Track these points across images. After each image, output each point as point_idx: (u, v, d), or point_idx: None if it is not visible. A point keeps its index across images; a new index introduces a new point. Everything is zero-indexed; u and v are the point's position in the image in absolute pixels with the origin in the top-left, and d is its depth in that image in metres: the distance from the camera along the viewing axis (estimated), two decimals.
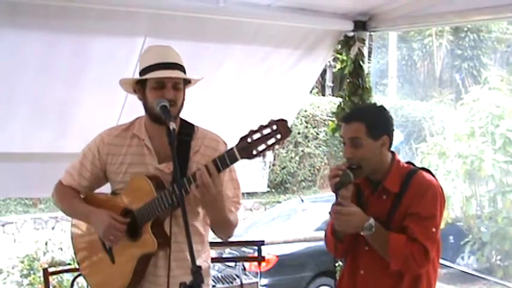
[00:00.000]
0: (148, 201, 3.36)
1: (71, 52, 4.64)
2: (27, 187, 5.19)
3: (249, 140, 3.07)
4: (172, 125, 3.14)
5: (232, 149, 3.13)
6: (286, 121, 3.05)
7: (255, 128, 3.07)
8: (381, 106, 3.64)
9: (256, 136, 3.06)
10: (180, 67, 3.43)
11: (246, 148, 3.08)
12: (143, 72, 3.41)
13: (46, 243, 11.88)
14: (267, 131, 3.05)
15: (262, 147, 3.06)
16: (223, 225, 3.50)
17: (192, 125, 3.54)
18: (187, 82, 3.48)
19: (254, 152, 3.07)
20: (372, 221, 3.36)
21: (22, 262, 11.32)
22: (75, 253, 3.80)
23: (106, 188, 3.70)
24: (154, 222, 3.38)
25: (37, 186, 5.08)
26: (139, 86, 3.45)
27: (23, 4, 4.23)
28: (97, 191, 3.71)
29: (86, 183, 3.63)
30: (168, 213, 3.33)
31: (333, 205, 3.41)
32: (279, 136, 3.04)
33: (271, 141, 3.05)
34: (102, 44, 4.67)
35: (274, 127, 3.04)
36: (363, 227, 3.36)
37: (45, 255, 11.80)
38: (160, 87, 3.36)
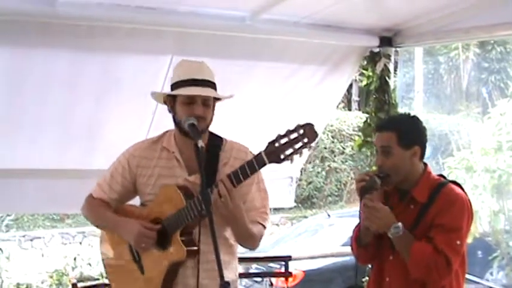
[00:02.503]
0: (178, 210, 3.40)
1: (99, 70, 4.72)
2: (56, 203, 5.25)
3: (276, 144, 3.12)
4: (200, 143, 3.20)
5: (260, 153, 3.17)
6: (312, 125, 3.10)
7: (282, 132, 3.12)
8: (414, 116, 3.69)
9: (283, 140, 3.11)
10: (211, 84, 3.46)
11: (274, 152, 3.13)
12: (174, 86, 3.46)
13: (75, 258, 11.96)
14: (294, 135, 3.10)
15: (289, 151, 3.11)
16: (246, 238, 3.52)
17: (220, 137, 3.58)
18: (217, 98, 3.52)
19: (282, 156, 3.12)
20: (400, 224, 3.39)
21: (51, 277, 11.42)
22: (104, 265, 3.83)
23: (135, 201, 3.73)
24: (184, 231, 3.41)
25: (66, 202, 5.14)
26: (170, 99, 3.50)
27: (53, 24, 4.30)
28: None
29: (116, 196, 3.66)
30: (197, 223, 3.36)
31: (365, 199, 3.45)
32: (306, 140, 3.09)
33: (299, 145, 3.10)
34: (130, 63, 4.72)
35: (301, 131, 3.09)
36: (391, 226, 3.39)
37: (74, 270, 11.87)
38: (190, 102, 3.40)
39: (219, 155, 3.51)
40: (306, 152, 3.16)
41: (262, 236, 3.58)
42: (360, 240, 3.61)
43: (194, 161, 3.42)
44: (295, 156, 3.13)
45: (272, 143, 3.14)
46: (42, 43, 4.41)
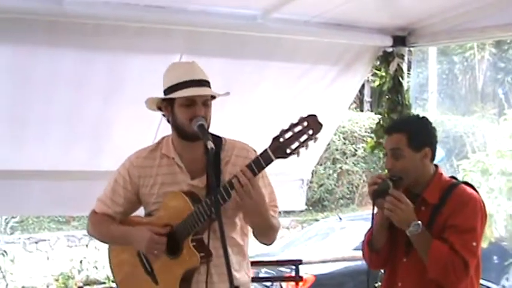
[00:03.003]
0: (186, 215, 3.40)
1: (106, 70, 4.73)
2: (62, 205, 5.26)
3: (281, 139, 3.14)
4: (211, 144, 3.22)
5: (265, 150, 3.18)
6: (316, 116, 3.12)
7: (286, 127, 3.13)
8: (424, 117, 3.70)
9: (288, 135, 3.13)
10: (207, 83, 3.48)
11: (279, 148, 3.14)
12: (170, 89, 3.44)
13: (81, 261, 11.97)
14: (298, 128, 3.12)
15: (295, 145, 3.12)
16: (267, 230, 3.51)
17: (219, 137, 3.57)
18: (213, 97, 3.52)
19: (288, 151, 3.13)
20: (420, 222, 3.40)
21: (57, 280, 11.44)
22: (115, 280, 3.82)
23: (139, 212, 3.74)
24: (194, 237, 3.42)
25: (72, 204, 5.16)
26: (165, 104, 3.49)
27: (59, 22, 4.31)
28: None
29: (120, 209, 3.65)
30: (207, 227, 3.37)
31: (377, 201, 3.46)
32: (310, 132, 3.10)
33: (304, 137, 3.11)
34: (138, 62, 4.73)
35: (305, 123, 3.11)
36: (411, 223, 3.39)
37: (80, 274, 11.89)
38: (190, 104, 3.40)
39: (220, 155, 3.51)
40: (312, 144, 3.16)
41: (280, 227, 3.59)
42: (372, 244, 3.61)
43: (195, 165, 3.48)
44: (302, 150, 3.14)
45: (276, 138, 3.15)
46: (48, 42, 4.42)
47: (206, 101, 3.44)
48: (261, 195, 3.31)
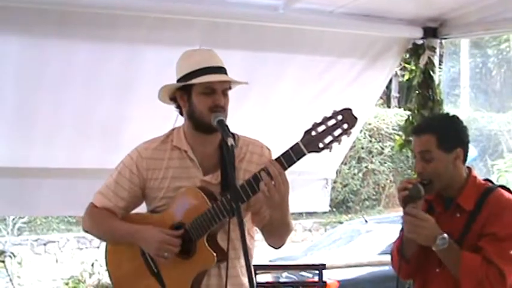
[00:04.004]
0: (201, 213, 3.38)
1: (121, 63, 4.76)
2: (72, 205, 5.23)
3: (313, 133, 3.15)
4: (231, 141, 3.21)
5: (297, 143, 3.18)
6: (351, 109, 3.14)
7: (319, 120, 3.15)
8: (454, 116, 3.66)
9: (321, 128, 3.14)
10: (225, 71, 3.48)
11: (312, 141, 3.15)
12: (188, 76, 3.42)
13: (92, 264, 12.02)
14: (331, 122, 3.14)
15: (328, 139, 3.14)
16: (283, 227, 3.48)
17: (231, 133, 3.51)
18: (229, 87, 3.52)
19: (321, 145, 3.15)
20: (445, 235, 3.35)
21: (67, 284, 11.51)
22: (113, 284, 3.73)
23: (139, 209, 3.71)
24: (209, 236, 3.40)
25: (83, 204, 5.12)
26: (181, 93, 3.48)
27: (72, 13, 4.34)
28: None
29: (124, 204, 3.59)
30: (222, 226, 3.37)
31: (408, 207, 3.42)
32: (345, 126, 3.12)
33: (338, 132, 3.13)
34: (154, 55, 4.75)
35: (339, 117, 3.13)
36: (436, 238, 3.35)
37: (91, 277, 11.95)
38: (210, 92, 3.40)
39: (234, 152, 3.42)
40: (345, 139, 3.17)
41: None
42: (403, 252, 3.58)
43: (208, 160, 3.48)
44: (334, 145, 3.15)
45: (308, 131, 3.16)
46: (59, 33, 4.45)
47: (225, 90, 3.45)
48: (288, 190, 3.28)
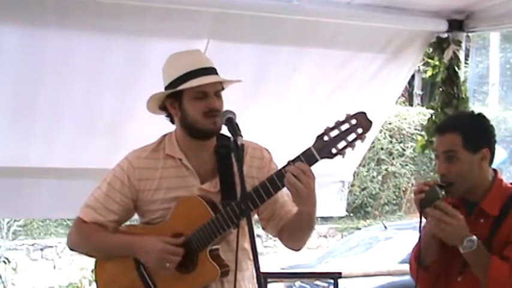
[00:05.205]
0: (203, 224, 3.39)
1: (125, 57, 4.78)
2: (71, 207, 5.12)
3: (325, 138, 3.19)
4: (241, 140, 3.21)
5: (309, 149, 3.21)
6: (365, 113, 3.16)
7: (332, 124, 3.18)
8: (480, 114, 3.64)
9: (334, 133, 3.18)
10: (216, 71, 3.49)
11: (325, 147, 3.18)
12: (177, 82, 3.43)
13: (92, 271, 12.05)
14: (345, 126, 3.17)
15: (342, 144, 3.17)
16: (310, 223, 3.46)
17: (228, 137, 3.49)
18: (222, 88, 3.53)
19: (334, 151, 3.18)
20: (474, 237, 3.33)
21: None
22: None
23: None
24: (211, 249, 3.42)
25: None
26: (171, 100, 3.49)
27: (72, 2, 4.37)
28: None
29: (115, 217, 3.58)
30: (224, 238, 3.40)
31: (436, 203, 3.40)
32: (360, 130, 3.16)
33: (352, 136, 3.17)
34: (159, 48, 4.73)
35: (353, 121, 3.16)
36: (463, 239, 3.33)
37: (91, 285, 11.97)
38: (202, 97, 3.41)
39: (231, 156, 3.43)
40: (359, 144, 3.20)
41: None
42: (421, 260, 3.57)
43: (204, 167, 3.50)
44: (348, 150, 3.18)
45: (321, 136, 3.20)
46: (59, 24, 4.46)
47: (218, 92, 3.46)
48: (314, 182, 3.27)
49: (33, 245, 15.67)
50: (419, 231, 3.53)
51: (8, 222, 14.65)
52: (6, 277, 12.44)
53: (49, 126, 4.90)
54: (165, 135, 3.64)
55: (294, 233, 3.53)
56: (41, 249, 15.74)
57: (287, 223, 3.51)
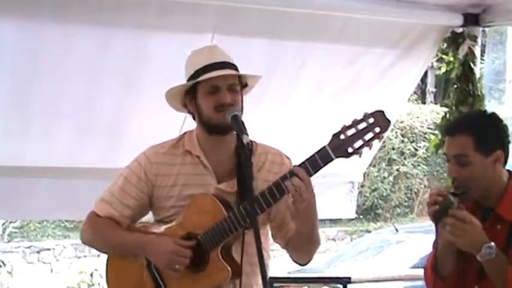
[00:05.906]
0: (216, 223, 3.41)
1: (126, 51, 4.79)
2: (70, 208, 5.23)
3: (342, 136, 3.20)
4: (247, 139, 3.25)
5: (324, 147, 3.23)
6: (383, 112, 3.18)
7: (348, 123, 3.19)
8: (492, 113, 3.61)
9: (350, 132, 3.19)
10: (233, 66, 3.51)
11: (341, 146, 3.20)
12: (192, 78, 3.49)
13: (91, 274, 12.06)
14: (362, 125, 3.18)
15: (358, 143, 3.19)
16: (311, 241, 3.50)
17: (251, 140, 3.49)
18: (244, 86, 3.55)
19: (350, 150, 3.20)
20: (493, 244, 3.29)
21: None
22: None
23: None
24: (223, 248, 3.43)
25: (83, 206, 5.12)
26: (189, 97, 3.53)
27: None
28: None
29: (130, 213, 3.62)
30: (237, 238, 3.40)
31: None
32: (377, 129, 3.17)
33: (369, 136, 3.18)
34: (162, 43, 4.78)
35: (371, 120, 3.18)
36: (482, 246, 3.29)
37: None
38: (214, 91, 3.44)
39: (251, 159, 3.41)
40: (376, 144, 3.23)
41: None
42: (437, 269, 3.54)
43: (223, 167, 3.52)
44: (364, 150, 3.20)
45: (337, 135, 3.21)
46: (57, 17, 4.48)
47: (232, 86, 3.47)
48: (315, 199, 3.32)
49: (29, 247, 15.66)
50: (435, 242, 3.48)
51: (4, 224, 14.69)
52: (2, 281, 12.46)
53: (47, 123, 4.92)
54: (185, 133, 3.69)
55: (298, 249, 3.58)
56: (38, 252, 15.73)
57: (292, 237, 3.54)
